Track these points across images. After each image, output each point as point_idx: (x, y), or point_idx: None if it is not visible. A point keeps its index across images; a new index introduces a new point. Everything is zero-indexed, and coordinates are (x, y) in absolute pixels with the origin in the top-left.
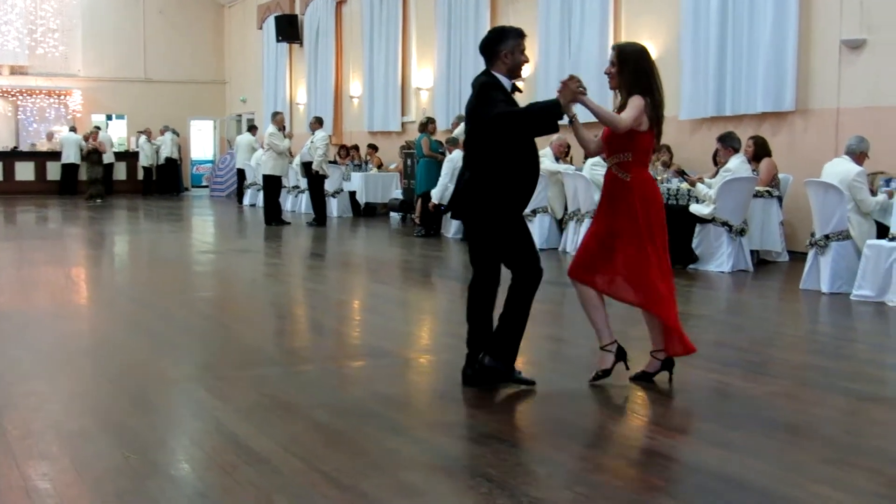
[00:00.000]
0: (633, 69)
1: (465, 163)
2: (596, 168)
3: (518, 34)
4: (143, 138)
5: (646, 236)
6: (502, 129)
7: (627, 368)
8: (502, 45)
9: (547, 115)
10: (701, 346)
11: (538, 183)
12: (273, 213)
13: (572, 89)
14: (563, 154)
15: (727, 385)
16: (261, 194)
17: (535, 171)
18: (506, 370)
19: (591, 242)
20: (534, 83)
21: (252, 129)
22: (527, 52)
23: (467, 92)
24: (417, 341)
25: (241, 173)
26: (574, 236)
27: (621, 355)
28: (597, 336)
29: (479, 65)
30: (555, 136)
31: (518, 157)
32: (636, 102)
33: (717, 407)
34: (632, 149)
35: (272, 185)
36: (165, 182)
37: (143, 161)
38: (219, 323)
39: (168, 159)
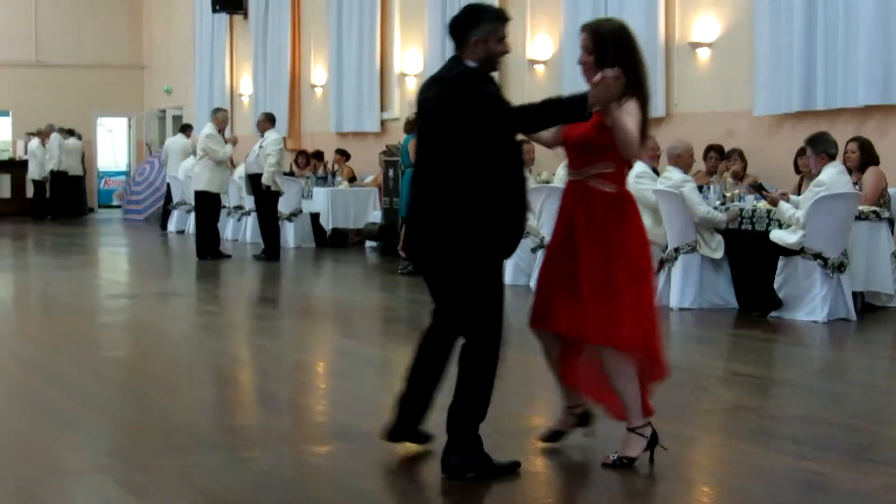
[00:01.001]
0: (616, 55)
1: (421, 178)
2: (642, 181)
3: (497, 16)
4: (34, 142)
5: (640, 267)
6: (517, 126)
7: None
8: (474, 30)
9: (573, 114)
10: (787, 422)
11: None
12: (208, 244)
13: (613, 91)
14: None
15: (823, 476)
16: (192, 217)
17: (525, 197)
18: (481, 464)
19: (551, 280)
20: (558, 69)
21: (185, 129)
22: (548, 27)
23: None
24: None
25: (169, 189)
26: None
27: (584, 420)
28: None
29: None
30: None
31: (507, 174)
32: (633, 108)
33: None
34: (615, 158)
35: (208, 206)
36: (63, 201)
37: (35, 173)
38: (135, 392)
39: (57, 173)
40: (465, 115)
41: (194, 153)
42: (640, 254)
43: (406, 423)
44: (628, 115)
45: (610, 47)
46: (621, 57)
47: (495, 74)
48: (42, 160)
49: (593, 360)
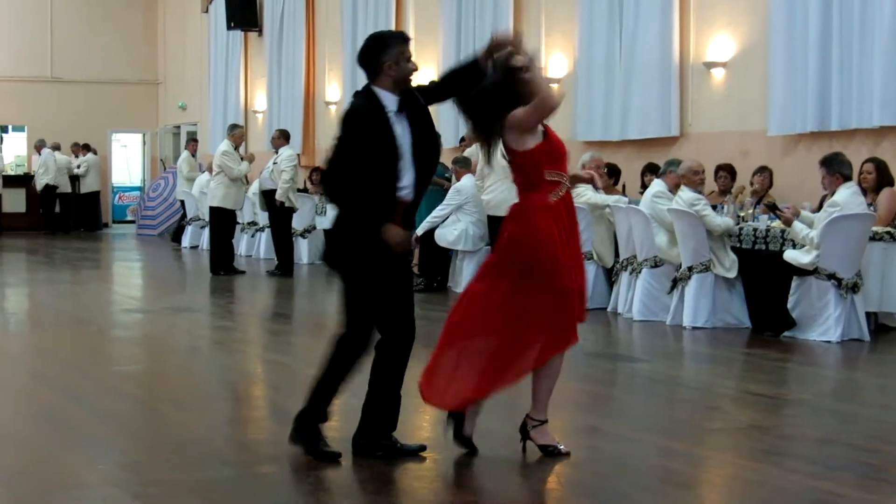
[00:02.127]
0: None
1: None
2: (660, 200)
3: (401, 39)
4: (49, 154)
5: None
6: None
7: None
8: (385, 55)
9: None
10: (800, 442)
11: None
12: (223, 259)
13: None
14: (603, 179)
15: (836, 497)
16: (205, 233)
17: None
18: (388, 445)
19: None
20: (573, 84)
21: (191, 143)
22: (563, 45)
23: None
24: (415, 432)
25: (182, 205)
26: (628, 291)
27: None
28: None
29: (495, 60)
30: (586, 156)
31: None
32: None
33: None
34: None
35: (223, 222)
36: (76, 216)
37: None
38: (148, 408)
39: (48, 187)
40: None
41: (207, 169)
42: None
43: (374, 433)
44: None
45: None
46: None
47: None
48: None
49: None
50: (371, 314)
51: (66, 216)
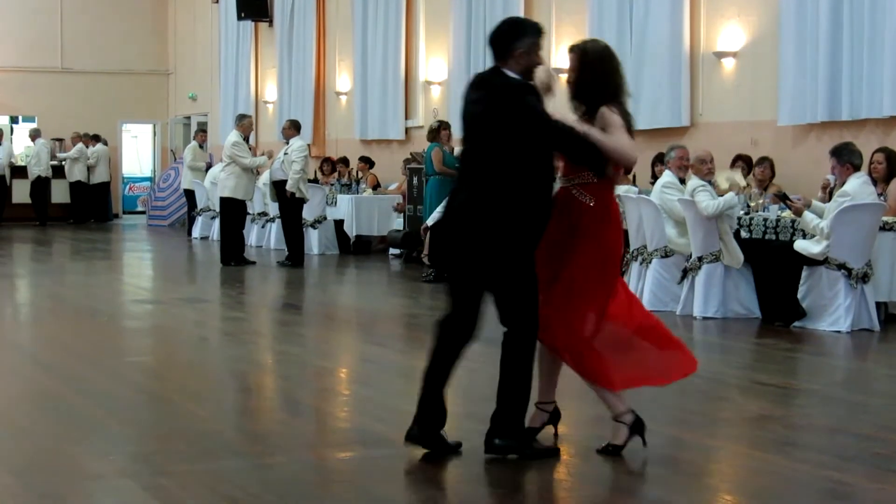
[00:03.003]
0: (600, 73)
1: (463, 180)
2: (669, 191)
3: (537, 31)
4: (42, 144)
5: (598, 276)
6: (559, 147)
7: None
8: (519, 43)
9: (597, 166)
10: (810, 432)
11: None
12: (233, 250)
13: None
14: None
15: (846, 486)
16: (216, 223)
17: (550, 194)
18: (521, 446)
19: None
20: None
21: (199, 133)
22: (573, 35)
23: None
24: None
25: (188, 195)
26: (639, 281)
27: (638, 427)
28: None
29: None
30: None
31: (539, 176)
32: (614, 120)
33: None
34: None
35: (233, 213)
36: (85, 207)
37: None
38: (159, 398)
39: (39, 179)
40: (513, 126)
41: (218, 159)
42: (602, 268)
43: (429, 425)
44: (613, 126)
45: (594, 66)
46: (604, 75)
47: None
48: (73, 165)
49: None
50: (533, 305)
51: (76, 207)
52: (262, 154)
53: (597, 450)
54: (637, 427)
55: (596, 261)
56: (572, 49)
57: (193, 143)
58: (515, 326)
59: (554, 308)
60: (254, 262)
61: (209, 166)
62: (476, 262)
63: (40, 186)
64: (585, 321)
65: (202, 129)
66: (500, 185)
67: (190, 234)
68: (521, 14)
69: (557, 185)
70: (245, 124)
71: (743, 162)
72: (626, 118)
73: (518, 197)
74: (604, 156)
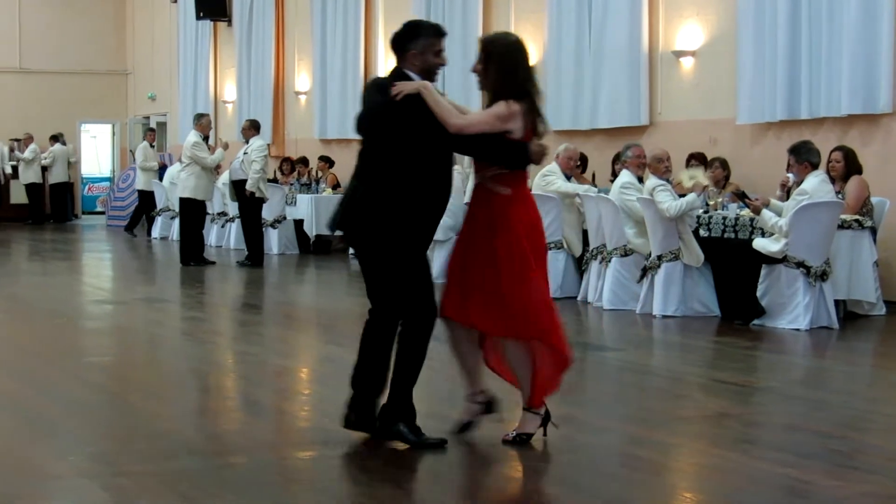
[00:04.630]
0: (505, 67)
1: (359, 174)
2: (628, 191)
3: (434, 32)
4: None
5: (530, 262)
6: (467, 147)
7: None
8: (412, 44)
9: (514, 158)
10: (769, 430)
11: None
12: (193, 250)
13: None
14: (573, 169)
15: (805, 484)
16: (175, 224)
17: (449, 189)
18: (416, 438)
19: (457, 273)
20: (542, 74)
21: (149, 133)
22: (532, 34)
23: (453, 83)
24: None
25: (143, 196)
26: (598, 280)
27: (490, 407)
28: (466, 382)
29: (465, 47)
30: (561, 147)
31: (436, 171)
32: (500, 107)
33: None
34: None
35: (193, 213)
36: (43, 207)
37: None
38: (118, 398)
39: None
40: (402, 122)
41: (178, 159)
42: (526, 253)
43: (361, 409)
44: (491, 109)
45: (498, 59)
46: (507, 69)
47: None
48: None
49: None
50: (411, 293)
51: (34, 207)
52: (219, 148)
53: (503, 440)
54: (546, 419)
55: (519, 242)
56: (480, 40)
57: (144, 144)
58: (414, 314)
59: (480, 298)
60: (213, 262)
61: (163, 166)
62: (370, 252)
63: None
64: (510, 307)
65: (151, 129)
66: (389, 180)
67: (130, 231)
68: (480, 13)
69: (471, 184)
70: (203, 123)
71: (697, 161)
72: (532, 114)
73: (405, 191)
74: (507, 148)
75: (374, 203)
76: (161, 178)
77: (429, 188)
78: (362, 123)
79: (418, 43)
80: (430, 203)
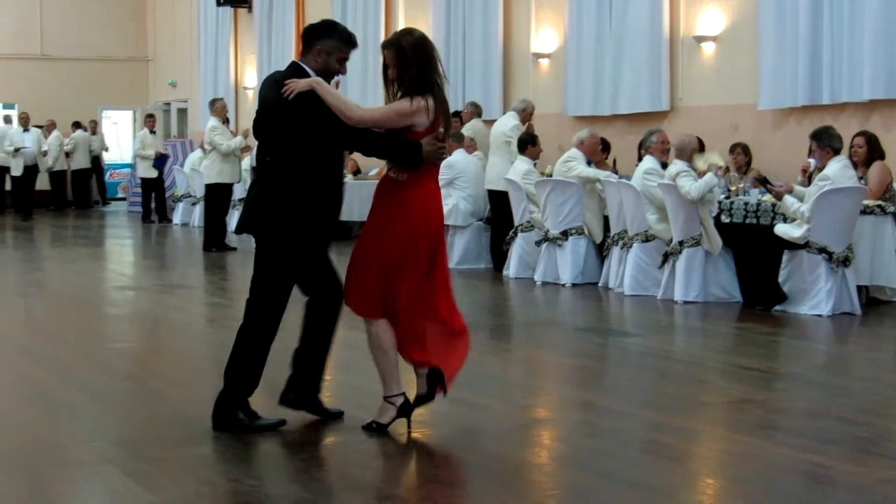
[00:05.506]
0: (419, 64)
1: (261, 166)
2: (650, 177)
3: (346, 40)
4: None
5: (425, 259)
6: (361, 145)
7: (409, 427)
8: (322, 42)
9: (407, 158)
10: (791, 416)
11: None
12: (216, 236)
13: (437, 153)
14: (597, 155)
15: (827, 469)
16: (196, 210)
17: (341, 182)
18: (251, 421)
19: (372, 266)
20: (562, 60)
21: (149, 119)
22: (553, 20)
23: (475, 70)
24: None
25: (144, 183)
26: (619, 266)
27: (405, 410)
28: (382, 383)
29: (487, 34)
30: (584, 133)
31: (328, 161)
32: (403, 103)
33: (813, 499)
34: None
35: (219, 198)
36: (65, 194)
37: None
38: (142, 384)
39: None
40: (295, 117)
41: (199, 146)
42: (406, 239)
43: (301, 388)
44: (394, 104)
45: (408, 57)
46: (417, 65)
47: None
48: (56, 153)
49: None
50: (294, 278)
51: (56, 194)
52: (238, 135)
53: (362, 426)
54: (405, 409)
55: (409, 232)
56: (389, 43)
57: (143, 131)
58: (323, 294)
59: (350, 280)
60: (235, 248)
61: (162, 155)
62: (280, 244)
63: (30, 176)
64: (360, 287)
65: (150, 115)
66: (288, 173)
67: (147, 219)
68: (501, 1)
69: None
70: (218, 107)
71: (740, 147)
72: (440, 109)
73: (300, 184)
74: (395, 146)
75: (272, 198)
76: (159, 167)
77: (321, 183)
78: (258, 121)
79: (328, 43)
80: (325, 194)
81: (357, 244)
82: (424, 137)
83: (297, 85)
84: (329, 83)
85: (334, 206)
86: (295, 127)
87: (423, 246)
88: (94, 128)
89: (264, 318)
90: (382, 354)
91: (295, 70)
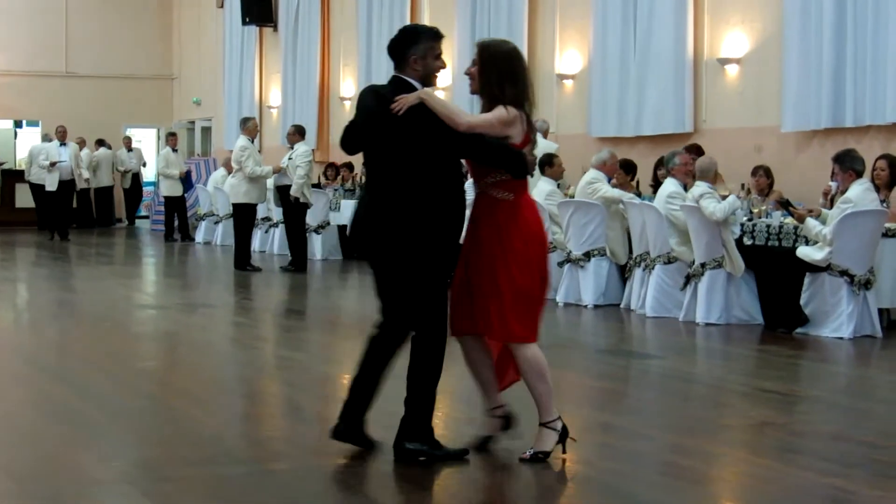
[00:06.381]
0: (503, 74)
1: (370, 187)
2: (674, 201)
3: (432, 35)
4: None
5: (525, 268)
6: (472, 151)
7: (565, 452)
8: (412, 49)
9: (517, 165)
10: (813, 439)
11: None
12: (243, 255)
13: (533, 165)
14: (619, 175)
15: (848, 494)
16: (219, 228)
17: (463, 196)
18: (432, 449)
19: (463, 283)
20: (587, 80)
21: (170, 137)
22: (577, 41)
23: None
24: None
25: (168, 202)
26: (641, 288)
27: (565, 435)
28: (539, 409)
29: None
30: (606, 154)
31: (449, 180)
32: (502, 111)
33: None
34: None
35: (245, 218)
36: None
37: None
38: (162, 404)
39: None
40: (412, 132)
41: (224, 165)
42: (528, 258)
43: (354, 421)
44: (493, 112)
45: (495, 65)
46: (504, 75)
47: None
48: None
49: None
50: (440, 308)
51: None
52: (269, 166)
53: (520, 458)
54: (564, 434)
55: (523, 251)
56: (478, 44)
57: (166, 150)
58: (422, 329)
59: (480, 305)
60: (259, 269)
61: (186, 174)
62: (385, 265)
63: (66, 192)
64: (511, 313)
65: (171, 133)
66: (403, 190)
67: (170, 238)
68: (525, 21)
69: (472, 194)
70: (250, 127)
71: (694, 153)
72: (528, 123)
73: (422, 202)
74: (507, 152)
75: (392, 215)
76: (187, 186)
77: (443, 196)
78: (361, 134)
79: (419, 47)
80: (446, 211)
81: (472, 273)
82: (524, 149)
83: (406, 100)
84: (433, 85)
85: (457, 218)
86: (412, 142)
87: (540, 254)
88: (129, 144)
89: (437, 336)
90: (539, 379)
91: (398, 84)
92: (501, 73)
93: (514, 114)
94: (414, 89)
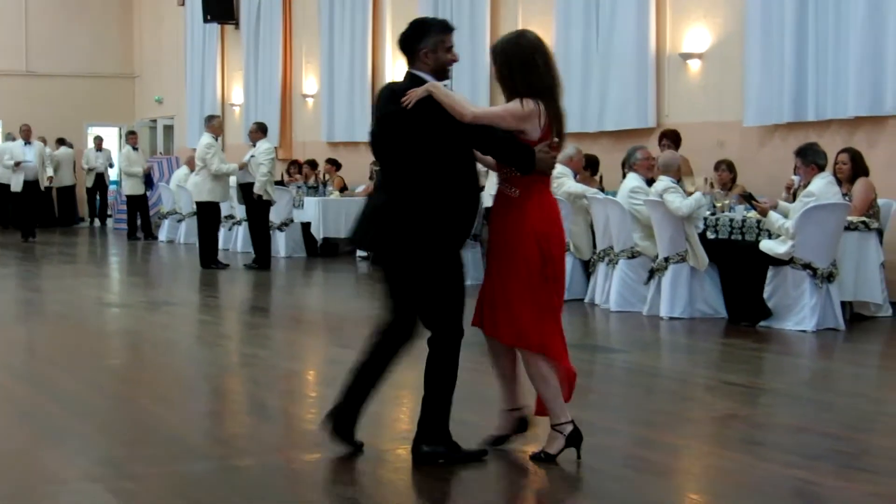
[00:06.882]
0: (517, 68)
1: (385, 187)
2: (636, 196)
3: (442, 28)
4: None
5: (536, 270)
6: (478, 143)
7: (579, 457)
8: (422, 43)
9: (521, 160)
10: (776, 431)
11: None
12: (210, 253)
13: (549, 162)
14: (581, 171)
15: (812, 485)
16: (182, 227)
17: (478, 189)
18: (451, 451)
19: (484, 283)
20: None
21: (130, 136)
22: (543, 38)
23: (461, 85)
24: (393, 426)
25: (130, 201)
26: (605, 282)
27: (574, 439)
28: (549, 412)
29: (480, 51)
30: (572, 149)
31: (461, 176)
32: (516, 104)
33: None
34: None
35: (211, 216)
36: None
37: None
38: (127, 402)
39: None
40: (426, 127)
41: (187, 163)
42: (527, 258)
43: (346, 422)
44: (506, 105)
45: (509, 61)
46: (521, 69)
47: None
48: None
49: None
50: (454, 308)
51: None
52: (234, 164)
53: (530, 456)
54: (574, 439)
55: (519, 252)
56: (491, 49)
57: (126, 148)
58: (437, 330)
59: (494, 307)
60: (227, 265)
61: (147, 172)
62: (397, 264)
63: (31, 192)
64: (523, 317)
65: (131, 132)
66: (417, 187)
67: (133, 237)
68: (488, 17)
69: (494, 189)
70: (215, 125)
71: (724, 164)
72: (550, 116)
73: (433, 198)
74: (512, 146)
75: (406, 213)
76: (148, 184)
77: (457, 192)
78: (378, 134)
79: (428, 41)
80: (460, 208)
81: (493, 270)
82: (537, 146)
83: (414, 94)
84: (446, 78)
85: (470, 214)
86: (422, 135)
87: (547, 252)
88: (100, 144)
89: (452, 336)
90: (544, 383)
91: (412, 80)
92: (513, 64)
93: (529, 108)
94: (426, 82)
